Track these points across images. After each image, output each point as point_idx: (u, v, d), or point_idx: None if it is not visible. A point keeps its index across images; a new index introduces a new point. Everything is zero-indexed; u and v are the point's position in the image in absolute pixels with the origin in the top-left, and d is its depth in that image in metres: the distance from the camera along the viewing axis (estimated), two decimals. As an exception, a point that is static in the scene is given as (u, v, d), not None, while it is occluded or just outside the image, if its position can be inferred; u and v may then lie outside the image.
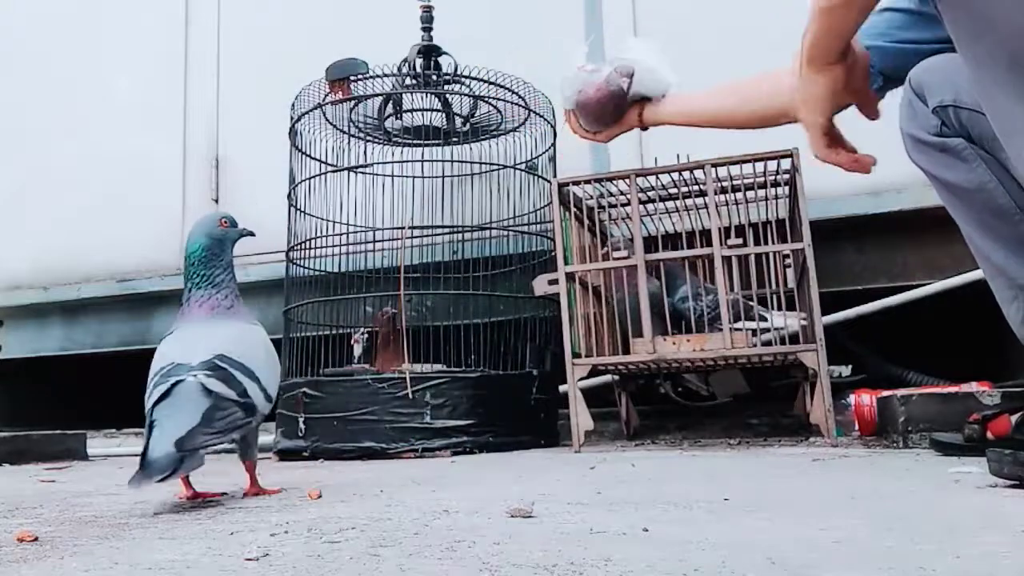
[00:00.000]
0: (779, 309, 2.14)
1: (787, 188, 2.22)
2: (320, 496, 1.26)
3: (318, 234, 2.49)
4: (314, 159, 2.52)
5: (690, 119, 1.53)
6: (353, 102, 2.52)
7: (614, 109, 1.53)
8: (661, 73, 1.54)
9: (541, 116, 2.55)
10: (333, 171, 2.48)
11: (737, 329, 2.07)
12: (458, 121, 2.67)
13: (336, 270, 2.48)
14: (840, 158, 1.12)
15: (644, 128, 1.59)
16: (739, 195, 2.22)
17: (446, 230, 2.52)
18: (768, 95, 1.33)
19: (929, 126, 1.16)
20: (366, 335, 2.39)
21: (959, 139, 1.14)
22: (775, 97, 1.30)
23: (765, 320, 2.15)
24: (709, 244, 2.06)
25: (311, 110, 2.49)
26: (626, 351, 2.23)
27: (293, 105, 2.53)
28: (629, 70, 1.51)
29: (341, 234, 2.46)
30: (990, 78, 0.85)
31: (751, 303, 2.19)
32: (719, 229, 2.05)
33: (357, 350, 2.39)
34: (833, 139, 1.12)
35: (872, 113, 1.13)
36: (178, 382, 1.20)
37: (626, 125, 1.56)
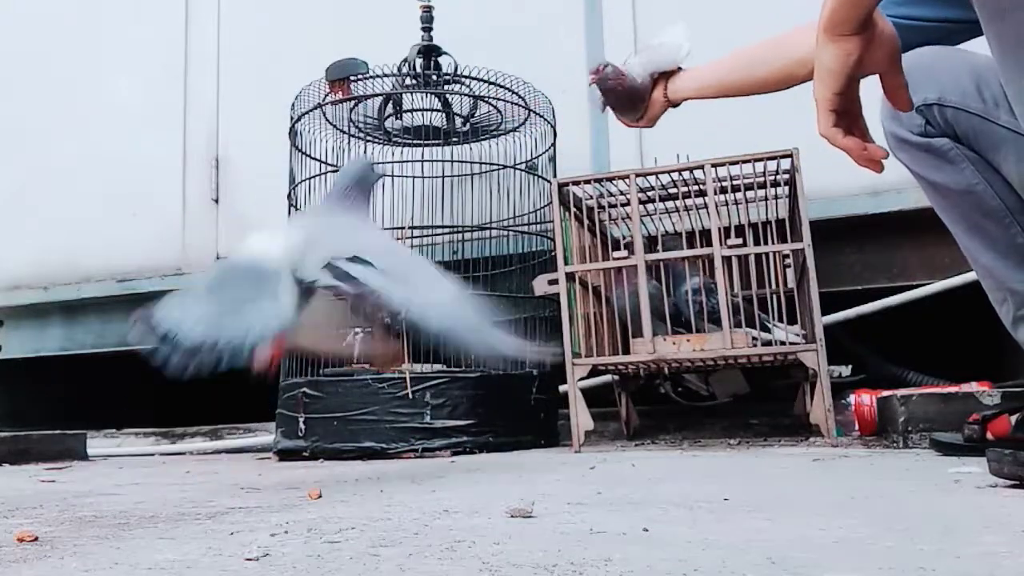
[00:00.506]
0: (779, 314, 2.14)
1: (787, 188, 2.22)
2: (320, 496, 1.26)
3: (318, 234, 2.49)
4: (314, 159, 2.52)
5: (710, 91, 1.49)
6: (353, 102, 2.52)
7: (629, 97, 1.54)
8: (666, 45, 1.54)
9: (541, 116, 2.55)
10: (333, 171, 2.47)
11: (738, 327, 2.07)
12: (458, 121, 2.67)
13: (336, 270, 2.48)
14: (847, 142, 0.98)
15: (675, 105, 1.57)
16: (739, 195, 2.22)
17: (446, 230, 2.52)
18: (786, 53, 1.29)
19: (913, 125, 1.13)
20: (360, 335, 2.38)
21: (944, 139, 1.12)
22: (793, 52, 1.27)
23: (768, 332, 2.16)
24: (709, 244, 2.06)
25: (311, 110, 2.49)
26: (626, 351, 2.23)
27: (293, 105, 2.53)
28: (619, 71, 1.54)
29: (341, 234, 2.46)
30: (1013, 59, 0.83)
31: (754, 309, 2.19)
32: (719, 229, 2.05)
33: (356, 349, 2.38)
34: (844, 119, 0.99)
35: (900, 100, 0.99)
36: None
37: (657, 106, 1.54)
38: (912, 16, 1.16)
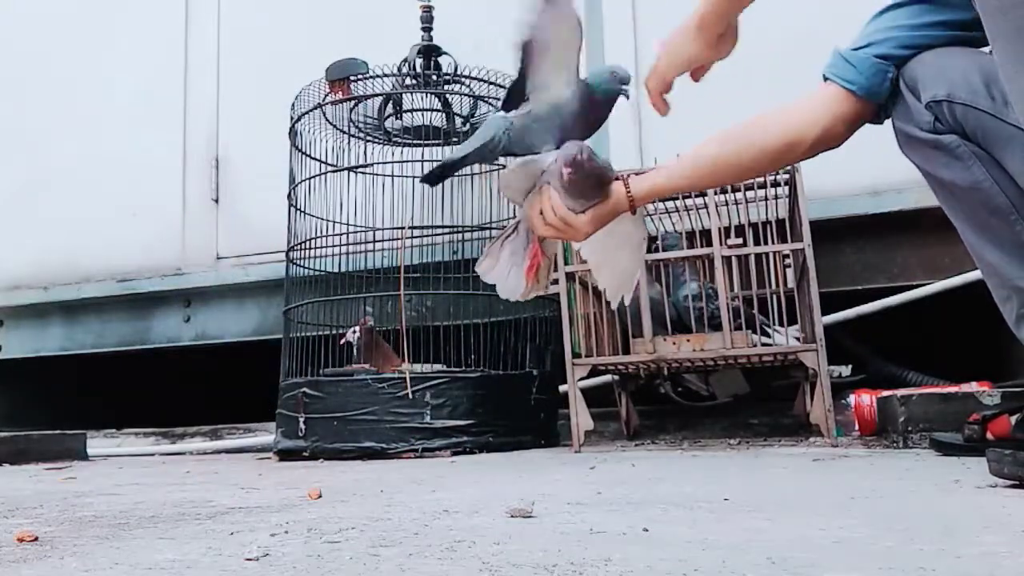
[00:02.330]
0: (780, 314, 2.14)
1: (787, 188, 2.22)
2: (320, 496, 1.26)
3: (318, 234, 2.50)
4: (314, 159, 2.52)
5: (688, 181, 1.32)
6: (353, 102, 2.52)
7: (597, 180, 1.28)
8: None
9: (541, 116, 2.55)
10: (333, 171, 2.47)
11: (738, 331, 2.07)
12: (458, 121, 2.66)
13: (336, 270, 2.48)
14: (655, 98, 1.28)
15: (633, 209, 1.32)
16: (739, 195, 2.22)
17: (446, 230, 2.52)
18: (770, 132, 1.25)
19: (922, 122, 1.14)
20: (357, 333, 2.39)
21: (953, 136, 1.12)
22: (784, 132, 1.24)
23: (768, 335, 2.16)
24: (709, 244, 2.06)
25: (311, 110, 2.49)
26: (626, 351, 2.23)
27: (293, 105, 2.53)
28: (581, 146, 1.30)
29: (341, 234, 2.46)
30: (1015, 54, 0.82)
31: (754, 312, 2.19)
32: (719, 229, 2.04)
33: (353, 341, 2.38)
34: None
35: (698, 75, 1.26)
36: None
37: (612, 203, 1.29)
38: (935, 22, 1.16)
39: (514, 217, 1.41)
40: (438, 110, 2.67)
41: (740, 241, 2.09)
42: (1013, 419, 1.40)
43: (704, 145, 1.30)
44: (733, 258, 2.14)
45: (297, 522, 0.98)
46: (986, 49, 1.10)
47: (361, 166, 2.49)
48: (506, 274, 1.38)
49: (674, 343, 2.11)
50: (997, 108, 1.08)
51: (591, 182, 1.25)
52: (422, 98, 2.65)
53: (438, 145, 2.56)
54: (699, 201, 2.26)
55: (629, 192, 1.28)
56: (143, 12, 3.69)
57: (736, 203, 2.26)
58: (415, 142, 2.65)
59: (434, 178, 1.44)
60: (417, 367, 2.28)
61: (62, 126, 3.73)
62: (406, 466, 1.89)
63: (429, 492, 1.29)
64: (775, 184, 2.20)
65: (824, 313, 2.09)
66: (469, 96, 2.57)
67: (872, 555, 0.71)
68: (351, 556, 0.76)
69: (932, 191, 1.18)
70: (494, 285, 1.45)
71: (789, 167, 2.10)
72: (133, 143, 3.58)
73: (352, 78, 2.45)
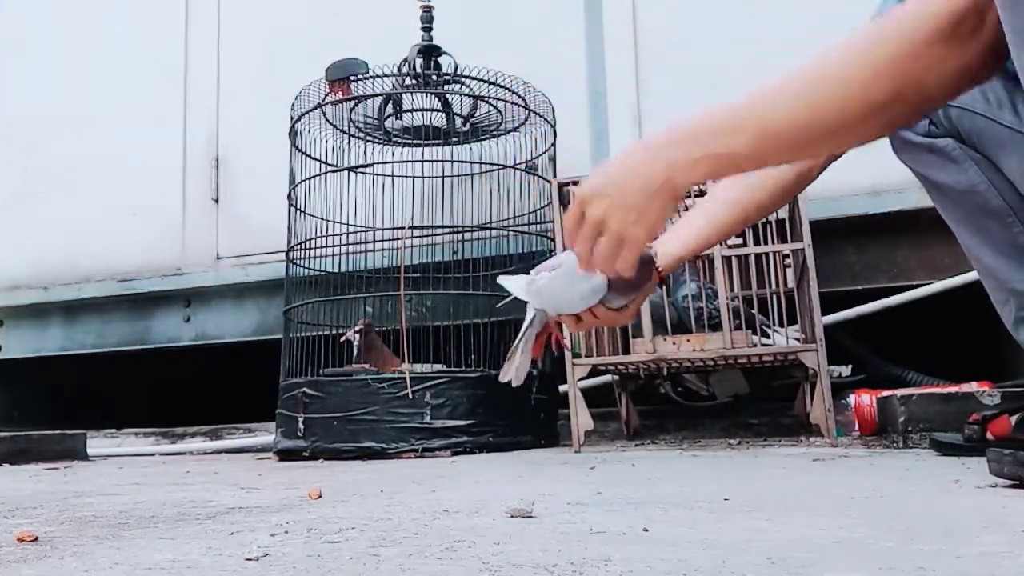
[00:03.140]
0: (780, 315, 2.14)
1: (787, 188, 2.22)
2: (320, 496, 1.26)
3: (318, 234, 2.50)
4: (314, 159, 2.52)
5: (710, 233, 1.25)
6: (353, 102, 2.52)
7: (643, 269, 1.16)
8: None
9: (541, 116, 2.55)
10: (333, 171, 2.48)
11: (738, 329, 2.07)
12: (458, 121, 2.67)
13: (336, 270, 2.49)
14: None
15: (662, 281, 1.27)
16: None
17: (446, 230, 2.52)
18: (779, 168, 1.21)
19: (918, 125, 1.14)
20: (357, 334, 2.39)
21: (948, 139, 1.12)
22: (796, 166, 1.20)
23: (767, 336, 2.16)
24: (709, 244, 2.05)
25: (311, 110, 2.49)
26: (626, 351, 2.23)
27: (293, 105, 2.53)
28: None
29: (341, 234, 2.46)
30: None
31: (754, 312, 2.19)
32: (719, 229, 2.04)
33: (355, 340, 2.38)
34: None
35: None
36: None
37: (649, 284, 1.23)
38: None
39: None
40: (438, 110, 2.67)
41: (740, 241, 2.08)
42: (1013, 419, 1.40)
43: (705, 200, 1.26)
44: (733, 258, 2.14)
45: (297, 522, 0.98)
46: None
47: (361, 166, 2.49)
48: (517, 365, 1.32)
49: (674, 343, 2.11)
50: (992, 111, 1.07)
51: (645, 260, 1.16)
52: (422, 98, 2.66)
53: (438, 145, 2.57)
54: (699, 201, 2.26)
55: (658, 269, 1.24)
56: (143, 12, 3.69)
57: (736, 203, 2.25)
58: (415, 142, 2.65)
59: None
60: (417, 367, 2.28)
61: (62, 126, 3.74)
62: (406, 466, 1.89)
63: (429, 492, 1.29)
64: (775, 184, 2.20)
65: (824, 313, 2.09)
66: (469, 96, 2.57)
67: (872, 555, 0.71)
68: (351, 556, 0.76)
69: (928, 195, 1.18)
70: (494, 296, 1.39)
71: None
72: (133, 143, 3.58)
73: (352, 78, 2.45)
